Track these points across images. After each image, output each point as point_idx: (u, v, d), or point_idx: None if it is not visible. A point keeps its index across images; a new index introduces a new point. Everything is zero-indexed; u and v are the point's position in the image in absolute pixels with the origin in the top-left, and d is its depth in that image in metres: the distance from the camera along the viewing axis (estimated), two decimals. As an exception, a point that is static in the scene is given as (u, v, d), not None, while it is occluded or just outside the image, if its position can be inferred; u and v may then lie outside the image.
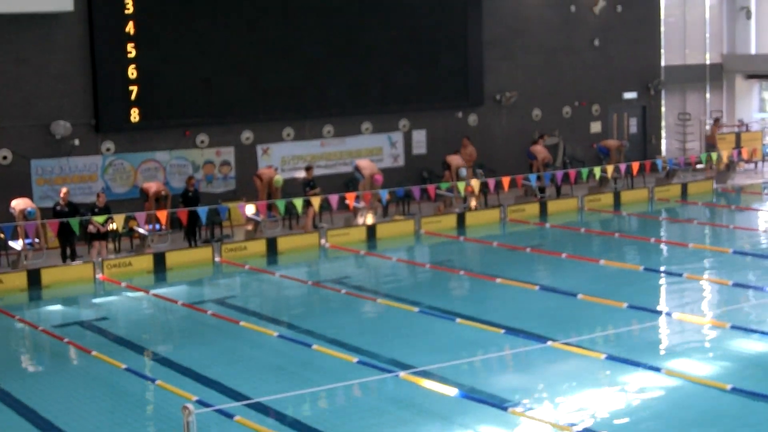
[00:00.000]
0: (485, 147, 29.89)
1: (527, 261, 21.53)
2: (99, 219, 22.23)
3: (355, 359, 14.98)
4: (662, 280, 19.78)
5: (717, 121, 34.21)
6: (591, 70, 32.49)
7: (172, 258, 22.58)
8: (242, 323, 17.30)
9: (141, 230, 23.04)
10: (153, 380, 14.43)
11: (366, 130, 28.65)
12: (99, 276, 21.31)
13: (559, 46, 31.81)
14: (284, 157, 27.33)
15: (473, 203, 27.77)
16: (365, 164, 25.79)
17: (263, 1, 26.62)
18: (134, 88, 24.93)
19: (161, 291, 20.33)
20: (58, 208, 22.30)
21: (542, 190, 28.66)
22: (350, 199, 24.87)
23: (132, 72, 24.87)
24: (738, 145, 33.39)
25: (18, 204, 22.04)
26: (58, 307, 19.87)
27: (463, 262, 21.60)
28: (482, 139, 30.12)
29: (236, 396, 13.64)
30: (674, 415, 12.79)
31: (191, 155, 26.11)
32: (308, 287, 20.21)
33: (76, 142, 24.45)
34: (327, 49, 27.50)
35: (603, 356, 14.78)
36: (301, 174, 26.63)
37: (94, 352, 15.80)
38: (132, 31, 24.76)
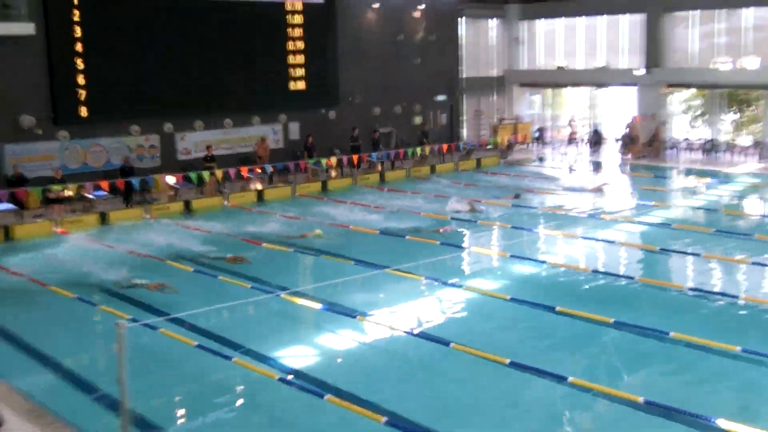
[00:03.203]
0: (341, 134, 29.73)
1: (372, 213, 21.53)
2: (56, 187, 21.36)
3: (249, 285, 14.76)
4: (463, 225, 20.05)
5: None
6: (414, 79, 32.55)
7: (113, 216, 21.81)
8: (168, 262, 16.85)
9: (89, 196, 22.20)
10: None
11: (256, 122, 28.12)
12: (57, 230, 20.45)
13: (391, 61, 31.78)
14: (196, 142, 26.62)
15: (333, 174, 27.62)
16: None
17: (179, 23, 25.77)
18: (83, 92, 23.88)
19: (105, 240, 19.47)
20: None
21: (382, 164, 28.75)
22: (244, 171, 24.50)
23: (81, 79, 23.80)
24: (515, 132, 34.14)
25: None
26: None
27: (326, 215, 21.45)
28: (339, 128, 29.95)
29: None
30: (472, 317, 13.07)
31: (127, 141, 25.15)
32: (213, 235, 19.68)
33: (40, 131, 23.29)
34: (227, 66, 26.85)
35: (423, 278, 14.93)
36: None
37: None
38: (81, 50, 23.71)
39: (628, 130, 31.90)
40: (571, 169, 29.19)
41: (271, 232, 19.43)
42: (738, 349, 10.92)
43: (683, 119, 33.13)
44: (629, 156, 30.87)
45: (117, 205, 22.86)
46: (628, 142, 31.25)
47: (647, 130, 31.53)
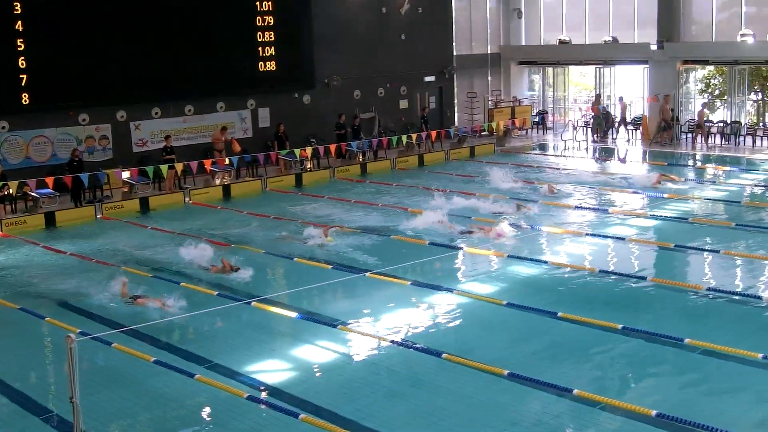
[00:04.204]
0: (317, 121, 29.85)
1: (351, 209, 21.62)
2: (-5, 185, 21.40)
3: (215, 292, 14.81)
4: (455, 223, 20.12)
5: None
6: (399, 59, 32.69)
7: (60, 216, 21.81)
8: (123, 267, 16.86)
9: (33, 194, 22.19)
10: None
11: (221, 108, 28.17)
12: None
13: (373, 40, 31.89)
14: (153, 132, 26.66)
15: (308, 166, 27.70)
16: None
17: (137, 5, 25.78)
18: (24, 77, 23.83)
19: (51, 244, 19.49)
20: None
21: (363, 154, 28.85)
22: (207, 164, 24.57)
23: (22, 63, 23.73)
24: (513, 116, 34.28)
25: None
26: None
27: (300, 213, 21.52)
28: (314, 114, 30.07)
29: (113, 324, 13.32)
30: (465, 324, 13.14)
31: (75, 131, 25.14)
32: (173, 236, 19.72)
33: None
34: (187, 44, 26.86)
35: (409, 282, 15.02)
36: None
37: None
38: (21, 29, 23.65)
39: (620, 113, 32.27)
40: (598, 156, 29.42)
41: (245, 233, 19.47)
42: (760, 356, 11.09)
43: (699, 100, 33.35)
44: (660, 141, 30.89)
45: (65, 204, 22.85)
46: (664, 127, 31.11)
47: (660, 113, 31.65)
